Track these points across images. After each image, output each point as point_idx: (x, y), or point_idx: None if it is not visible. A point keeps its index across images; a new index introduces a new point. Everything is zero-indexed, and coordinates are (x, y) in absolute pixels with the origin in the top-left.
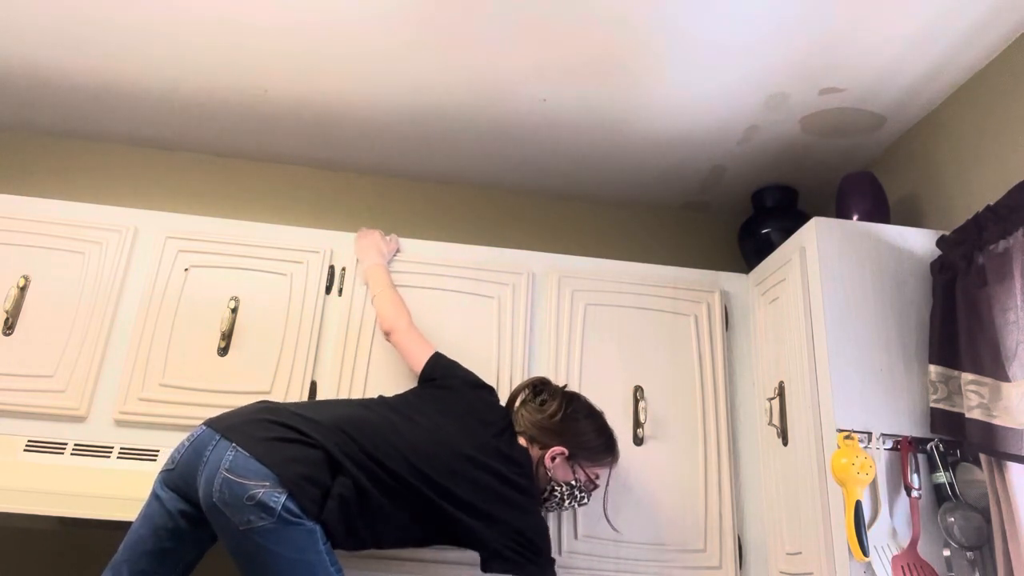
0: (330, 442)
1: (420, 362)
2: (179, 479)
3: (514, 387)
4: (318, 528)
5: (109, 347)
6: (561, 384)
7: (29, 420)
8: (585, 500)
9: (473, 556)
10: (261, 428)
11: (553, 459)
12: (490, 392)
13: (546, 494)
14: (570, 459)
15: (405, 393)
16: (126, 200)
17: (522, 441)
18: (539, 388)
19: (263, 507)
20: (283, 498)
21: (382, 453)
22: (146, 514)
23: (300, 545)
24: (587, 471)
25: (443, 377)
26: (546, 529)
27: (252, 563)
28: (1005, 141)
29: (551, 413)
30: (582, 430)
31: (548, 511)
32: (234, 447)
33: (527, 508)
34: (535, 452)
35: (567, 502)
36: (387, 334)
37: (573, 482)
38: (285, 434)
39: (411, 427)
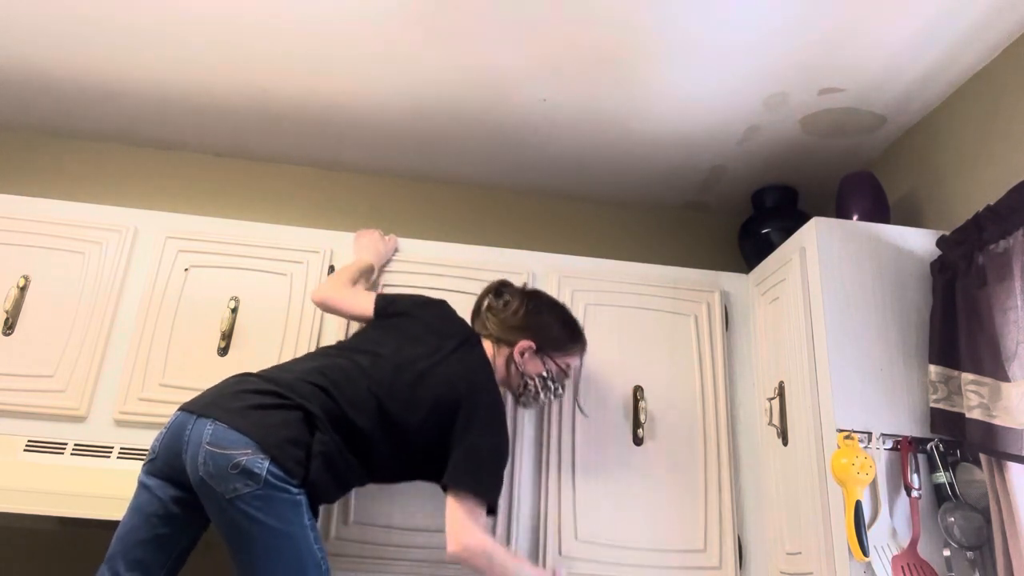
0: (305, 399)
1: (368, 307)
2: (163, 466)
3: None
4: (304, 500)
5: (109, 347)
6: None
7: (29, 420)
8: (560, 391)
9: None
10: (236, 399)
11: (522, 354)
12: (442, 305)
13: (520, 389)
14: (538, 352)
15: (364, 330)
16: (126, 200)
17: (488, 346)
18: (500, 290)
19: (248, 473)
20: (267, 463)
21: (355, 399)
22: (135, 505)
23: (285, 516)
24: (557, 361)
25: (394, 307)
26: (505, 451)
27: (238, 534)
28: (1005, 141)
29: (514, 310)
30: (546, 323)
31: (526, 406)
32: (213, 421)
33: (488, 424)
34: (503, 352)
35: (542, 395)
36: (322, 305)
37: (544, 374)
38: (261, 401)
39: (375, 362)
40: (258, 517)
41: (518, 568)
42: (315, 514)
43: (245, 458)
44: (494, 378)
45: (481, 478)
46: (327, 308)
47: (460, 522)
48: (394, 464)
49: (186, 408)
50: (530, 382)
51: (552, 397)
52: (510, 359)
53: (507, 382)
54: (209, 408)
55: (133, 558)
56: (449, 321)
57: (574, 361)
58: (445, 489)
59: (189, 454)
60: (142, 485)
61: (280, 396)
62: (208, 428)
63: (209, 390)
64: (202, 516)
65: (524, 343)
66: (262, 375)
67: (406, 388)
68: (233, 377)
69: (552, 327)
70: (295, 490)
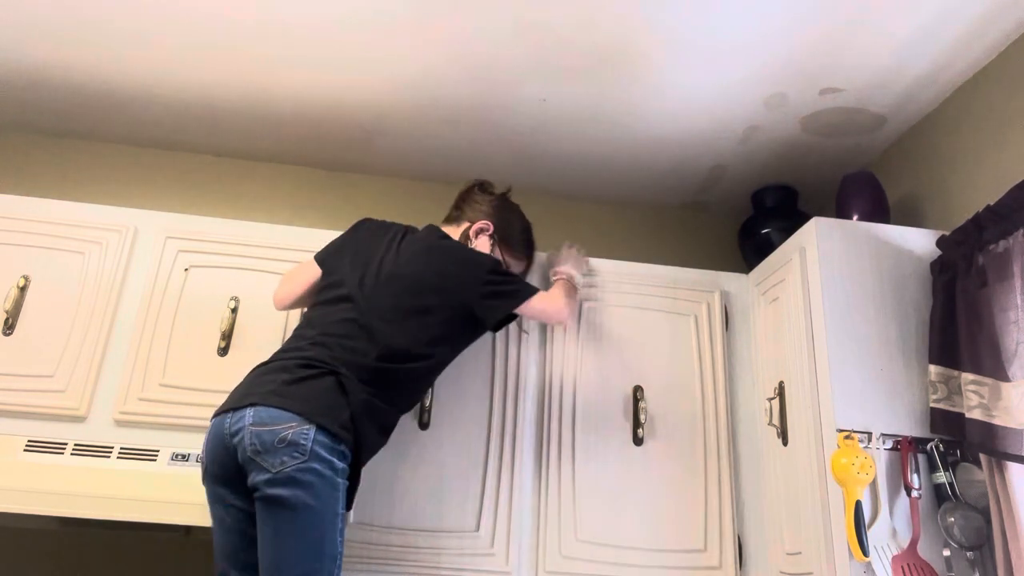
0: (330, 363)
1: (312, 271)
2: (216, 469)
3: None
4: (343, 486)
5: (109, 347)
6: (559, 385)
7: (29, 420)
8: None
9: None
10: (268, 384)
11: (477, 233)
12: (366, 221)
13: None
14: (492, 237)
15: (325, 283)
16: (126, 200)
17: (448, 229)
18: (484, 184)
19: (295, 445)
20: (312, 431)
21: (363, 338)
22: (219, 520)
23: (323, 496)
24: (505, 255)
25: (329, 249)
26: (496, 261)
27: (274, 510)
28: (1005, 141)
29: (489, 197)
30: (510, 219)
31: None
32: (252, 407)
33: (469, 258)
34: (462, 227)
35: None
36: (283, 305)
37: None
38: (293, 375)
39: (357, 294)
40: (298, 493)
41: (569, 290)
42: (349, 501)
43: (291, 431)
44: (447, 234)
45: (509, 292)
46: (289, 305)
47: (546, 316)
48: (429, 366)
49: (219, 411)
50: None
51: None
52: (465, 234)
53: None
54: (243, 399)
55: (243, 564)
56: (381, 227)
57: (518, 266)
58: (497, 326)
59: (236, 440)
60: (214, 500)
61: (310, 366)
62: (249, 412)
63: (235, 389)
64: None
65: (483, 222)
66: (281, 356)
67: (390, 293)
68: (253, 370)
69: (514, 225)
70: (339, 464)
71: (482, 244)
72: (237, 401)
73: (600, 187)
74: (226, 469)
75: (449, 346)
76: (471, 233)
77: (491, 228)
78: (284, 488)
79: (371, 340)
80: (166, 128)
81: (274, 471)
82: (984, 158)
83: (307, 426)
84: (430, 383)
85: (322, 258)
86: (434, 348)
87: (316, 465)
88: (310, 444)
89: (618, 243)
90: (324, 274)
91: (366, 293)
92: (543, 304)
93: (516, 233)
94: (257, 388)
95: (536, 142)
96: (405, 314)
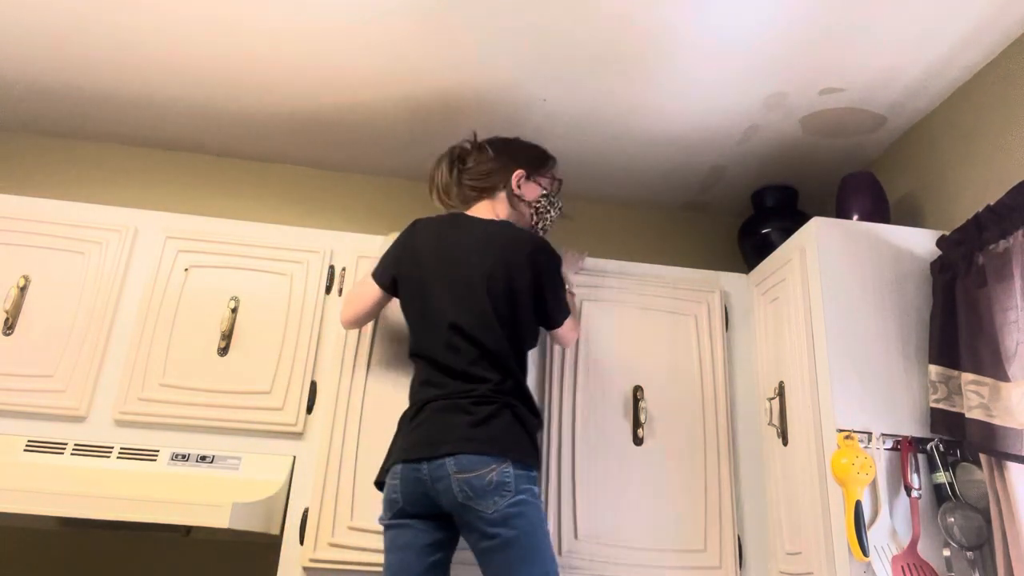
0: (495, 393)
1: (375, 292)
2: (418, 508)
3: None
4: (542, 504)
5: (109, 347)
6: (559, 385)
7: (29, 420)
8: (560, 204)
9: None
10: (453, 428)
11: (519, 185)
12: (411, 228)
13: (534, 217)
14: (528, 178)
15: (409, 308)
16: (126, 200)
17: (483, 206)
18: (459, 153)
19: (502, 485)
20: (511, 467)
21: (488, 359)
22: (402, 544)
23: (534, 521)
24: (548, 176)
25: (392, 272)
26: (561, 277)
27: (496, 545)
28: (1005, 141)
29: (489, 152)
30: (516, 149)
31: (545, 230)
32: (451, 456)
33: (547, 263)
34: (501, 195)
35: (550, 211)
36: (350, 324)
37: (544, 191)
38: (475, 416)
39: (456, 316)
40: (516, 526)
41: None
42: None
43: (494, 473)
44: (507, 222)
45: (563, 299)
46: (355, 326)
47: (564, 339)
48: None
49: (408, 459)
50: (538, 205)
51: (559, 211)
52: (511, 195)
53: (519, 220)
54: (437, 447)
55: None
56: (438, 226)
57: (556, 173)
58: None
59: (440, 489)
60: (399, 528)
61: (483, 402)
62: (449, 462)
63: (415, 435)
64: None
65: (517, 173)
66: (443, 395)
67: (490, 300)
68: (418, 412)
69: (523, 150)
70: (536, 488)
71: (529, 189)
72: (432, 449)
73: (600, 187)
74: (424, 508)
75: (534, 328)
76: (515, 189)
77: (521, 173)
78: (503, 527)
79: (499, 359)
80: (166, 128)
81: (490, 512)
82: (984, 158)
83: (505, 464)
84: None
85: (388, 283)
86: (528, 348)
87: (522, 496)
88: (512, 480)
89: (618, 243)
90: (403, 300)
91: (469, 307)
92: (568, 330)
93: (529, 152)
94: (446, 435)
95: (536, 142)
96: (508, 323)
